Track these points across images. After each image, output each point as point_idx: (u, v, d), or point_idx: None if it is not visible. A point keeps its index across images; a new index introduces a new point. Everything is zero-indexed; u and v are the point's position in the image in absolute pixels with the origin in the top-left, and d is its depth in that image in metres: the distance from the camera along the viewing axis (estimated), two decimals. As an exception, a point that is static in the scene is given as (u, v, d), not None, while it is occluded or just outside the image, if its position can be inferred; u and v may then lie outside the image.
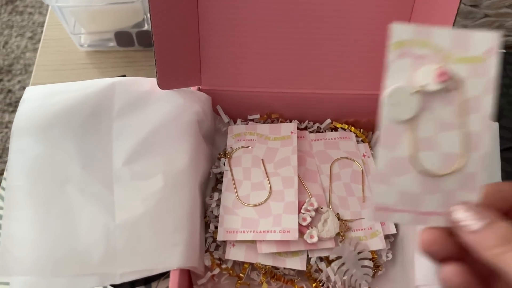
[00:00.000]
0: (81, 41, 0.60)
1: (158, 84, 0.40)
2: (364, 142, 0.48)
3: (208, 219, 0.42)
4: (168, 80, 0.41)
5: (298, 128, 0.48)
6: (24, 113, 0.37)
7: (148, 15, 0.58)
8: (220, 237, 0.40)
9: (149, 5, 0.36)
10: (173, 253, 0.35)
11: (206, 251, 0.41)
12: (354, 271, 0.39)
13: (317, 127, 0.49)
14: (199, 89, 0.46)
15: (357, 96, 0.46)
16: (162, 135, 0.39)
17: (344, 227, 0.41)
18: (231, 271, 0.40)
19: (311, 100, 0.47)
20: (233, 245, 0.40)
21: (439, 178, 0.23)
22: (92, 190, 0.36)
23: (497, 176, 0.47)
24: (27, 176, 0.36)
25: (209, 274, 0.39)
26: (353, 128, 0.48)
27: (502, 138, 0.50)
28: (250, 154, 0.45)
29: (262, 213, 0.41)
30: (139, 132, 0.39)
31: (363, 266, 0.39)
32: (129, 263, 0.35)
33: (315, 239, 0.39)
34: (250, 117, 0.49)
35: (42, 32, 0.63)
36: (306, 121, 0.49)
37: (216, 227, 0.41)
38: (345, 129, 0.48)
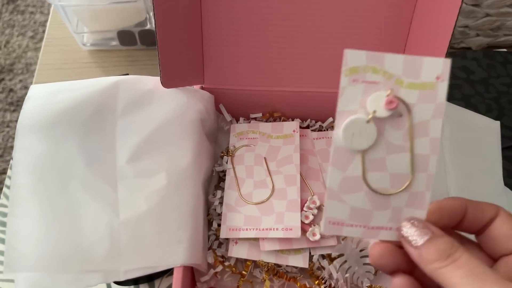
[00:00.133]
0: (83, 40, 0.60)
1: (161, 82, 0.40)
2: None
3: (211, 217, 0.42)
4: (171, 78, 0.41)
5: (300, 127, 0.48)
6: (29, 111, 0.38)
7: (151, 14, 0.58)
8: (223, 235, 0.40)
9: (152, 4, 0.36)
10: (176, 250, 0.35)
11: (209, 248, 0.41)
12: (356, 268, 0.39)
13: (319, 125, 0.49)
14: (202, 88, 0.46)
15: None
16: (166, 133, 0.40)
17: (346, 224, 0.41)
18: (233, 269, 0.40)
19: (313, 99, 0.47)
20: (236, 243, 0.41)
21: (388, 196, 0.24)
22: (96, 187, 0.36)
23: (499, 175, 0.48)
24: (31, 174, 0.36)
25: (212, 271, 0.39)
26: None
27: (503, 137, 0.50)
28: (252, 152, 0.46)
29: (264, 211, 0.41)
30: (142, 130, 0.39)
31: (365, 264, 0.40)
32: (133, 260, 0.35)
33: (318, 237, 0.40)
34: (252, 116, 0.49)
35: (43, 31, 0.63)
36: (308, 120, 0.49)
37: (219, 225, 0.41)
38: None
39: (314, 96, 0.47)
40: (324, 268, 0.40)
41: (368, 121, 0.23)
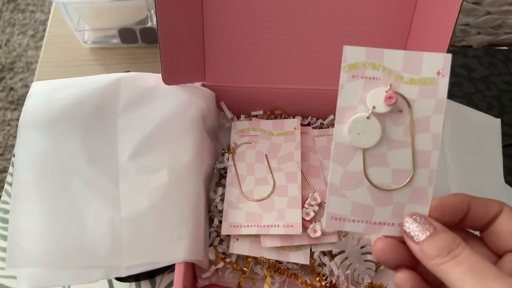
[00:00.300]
0: (85, 38, 0.61)
1: (163, 79, 0.40)
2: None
3: (212, 214, 0.42)
4: (172, 75, 0.41)
5: (301, 124, 0.48)
6: (31, 108, 0.38)
7: (152, 12, 0.58)
8: (224, 231, 0.41)
9: (154, 1, 0.36)
10: (178, 247, 0.35)
11: (210, 245, 0.41)
12: (357, 265, 0.39)
13: (320, 123, 0.49)
14: (203, 85, 0.46)
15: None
16: (167, 130, 0.40)
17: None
18: (235, 265, 0.40)
19: (314, 96, 0.47)
20: (237, 239, 0.41)
21: (390, 192, 0.24)
22: (98, 184, 0.37)
23: (500, 172, 0.48)
24: (33, 170, 0.36)
25: (213, 267, 0.39)
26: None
27: (504, 134, 0.50)
28: (253, 149, 0.46)
29: (265, 208, 0.41)
30: (144, 127, 0.39)
31: (366, 261, 0.40)
32: (134, 256, 0.35)
33: (319, 234, 0.40)
34: (253, 113, 0.49)
35: (44, 30, 0.63)
36: (309, 117, 0.49)
37: (220, 222, 0.42)
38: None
39: (315, 93, 0.47)
40: (325, 265, 0.40)
41: (368, 117, 0.23)
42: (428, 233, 0.22)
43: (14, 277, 0.44)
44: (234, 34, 0.44)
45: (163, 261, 0.35)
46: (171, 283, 0.44)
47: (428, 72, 0.23)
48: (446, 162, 0.46)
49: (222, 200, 0.43)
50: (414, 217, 0.23)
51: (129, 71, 0.41)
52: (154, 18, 0.59)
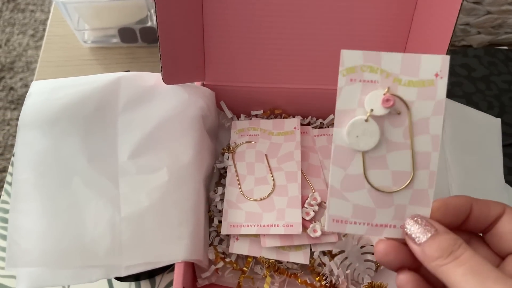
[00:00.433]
0: (84, 37, 0.60)
1: (163, 79, 0.40)
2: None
3: (212, 213, 0.42)
4: (172, 75, 0.41)
5: (301, 124, 0.48)
6: (31, 107, 0.38)
7: (152, 11, 0.58)
8: (224, 231, 0.40)
9: (154, 1, 0.36)
10: (177, 246, 0.35)
11: (210, 245, 0.41)
12: (357, 265, 0.39)
13: (320, 122, 0.49)
14: (203, 85, 0.46)
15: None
16: (167, 130, 0.40)
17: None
18: (234, 265, 0.40)
19: (314, 96, 0.47)
20: (237, 239, 0.41)
21: (391, 194, 0.24)
22: (97, 183, 0.36)
23: (500, 172, 0.48)
24: (33, 169, 0.36)
25: (213, 267, 0.39)
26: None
27: (504, 134, 0.50)
28: (253, 149, 0.46)
29: (265, 207, 0.41)
30: (144, 126, 0.39)
31: (366, 260, 0.40)
32: (134, 256, 0.35)
33: (318, 233, 0.40)
34: (253, 112, 0.49)
35: (44, 29, 0.63)
36: (309, 117, 0.49)
37: (220, 221, 0.42)
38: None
39: (315, 93, 0.47)
40: (325, 265, 0.40)
41: (366, 120, 0.23)
42: (429, 235, 0.22)
43: (13, 277, 0.44)
44: (234, 34, 0.44)
45: (162, 261, 0.35)
46: (170, 283, 0.43)
47: (426, 74, 0.23)
48: (446, 161, 0.46)
49: (222, 199, 0.43)
50: (416, 218, 0.23)
51: (129, 71, 0.41)
52: (154, 18, 0.59)
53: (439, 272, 0.21)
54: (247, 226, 0.40)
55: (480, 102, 0.55)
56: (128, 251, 0.35)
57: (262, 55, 0.45)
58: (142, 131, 0.39)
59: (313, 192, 0.42)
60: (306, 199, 0.42)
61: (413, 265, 0.23)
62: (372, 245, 0.40)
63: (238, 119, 0.49)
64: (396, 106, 0.23)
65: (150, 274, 0.43)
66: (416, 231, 0.22)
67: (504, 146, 0.50)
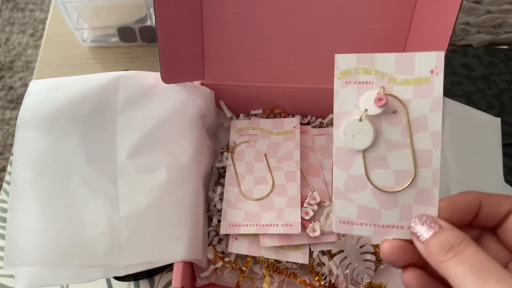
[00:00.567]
0: (84, 36, 0.60)
1: (162, 78, 0.40)
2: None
3: (211, 213, 0.42)
4: (171, 74, 0.41)
5: (301, 123, 0.48)
6: (29, 106, 0.38)
7: (151, 10, 0.58)
8: (223, 231, 0.40)
9: (153, 0, 0.36)
10: (176, 246, 0.35)
11: (209, 244, 0.41)
12: (356, 264, 0.39)
13: (320, 122, 0.49)
14: (202, 84, 0.46)
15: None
16: (166, 129, 0.40)
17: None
18: (234, 264, 0.40)
19: (313, 95, 0.47)
20: (236, 239, 0.41)
21: (395, 193, 0.24)
22: (96, 182, 0.36)
23: (499, 172, 0.48)
24: (32, 168, 0.36)
25: (212, 267, 0.39)
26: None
27: (504, 133, 0.50)
28: (253, 148, 0.46)
29: (264, 207, 0.41)
30: (143, 126, 0.39)
31: (365, 260, 0.40)
32: (133, 255, 0.35)
33: (318, 233, 0.40)
34: (252, 112, 0.49)
35: (43, 29, 0.63)
36: (309, 116, 0.49)
37: (219, 221, 0.41)
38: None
39: (315, 92, 0.47)
40: (324, 264, 0.40)
41: (360, 120, 0.24)
42: (433, 231, 0.22)
43: (12, 276, 0.44)
44: (233, 33, 0.44)
45: (161, 260, 0.35)
46: (169, 283, 0.43)
47: (422, 72, 0.23)
48: (446, 161, 0.46)
49: (221, 199, 0.43)
50: (422, 218, 0.23)
51: (128, 70, 0.41)
52: (153, 17, 0.59)
53: (441, 268, 0.20)
54: (246, 225, 0.40)
55: (480, 102, 0.55)
56: (127, 250, 0.35)
57: (261, 54, 0.45)
58: (141, 131, 0.39)
59: (313, 192, 0.42)
60: (305, 199, 0.42)
61: (420, 263, 0.23)
62: (371, 245, 0.40)
63: (237, 119, 0.49)
64: (390, 105, 0.23)
65: (149, 274, 0.43)
66: (421, 230, 0.22)
67: (504, 145, 0.49)
